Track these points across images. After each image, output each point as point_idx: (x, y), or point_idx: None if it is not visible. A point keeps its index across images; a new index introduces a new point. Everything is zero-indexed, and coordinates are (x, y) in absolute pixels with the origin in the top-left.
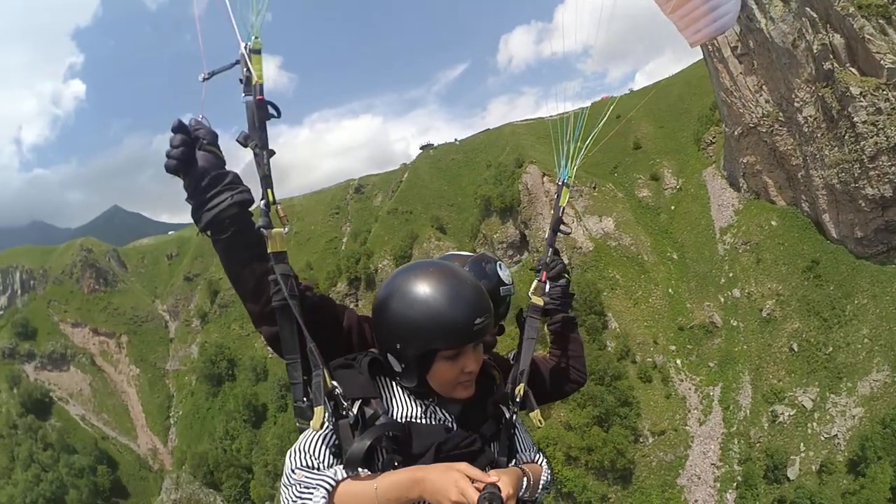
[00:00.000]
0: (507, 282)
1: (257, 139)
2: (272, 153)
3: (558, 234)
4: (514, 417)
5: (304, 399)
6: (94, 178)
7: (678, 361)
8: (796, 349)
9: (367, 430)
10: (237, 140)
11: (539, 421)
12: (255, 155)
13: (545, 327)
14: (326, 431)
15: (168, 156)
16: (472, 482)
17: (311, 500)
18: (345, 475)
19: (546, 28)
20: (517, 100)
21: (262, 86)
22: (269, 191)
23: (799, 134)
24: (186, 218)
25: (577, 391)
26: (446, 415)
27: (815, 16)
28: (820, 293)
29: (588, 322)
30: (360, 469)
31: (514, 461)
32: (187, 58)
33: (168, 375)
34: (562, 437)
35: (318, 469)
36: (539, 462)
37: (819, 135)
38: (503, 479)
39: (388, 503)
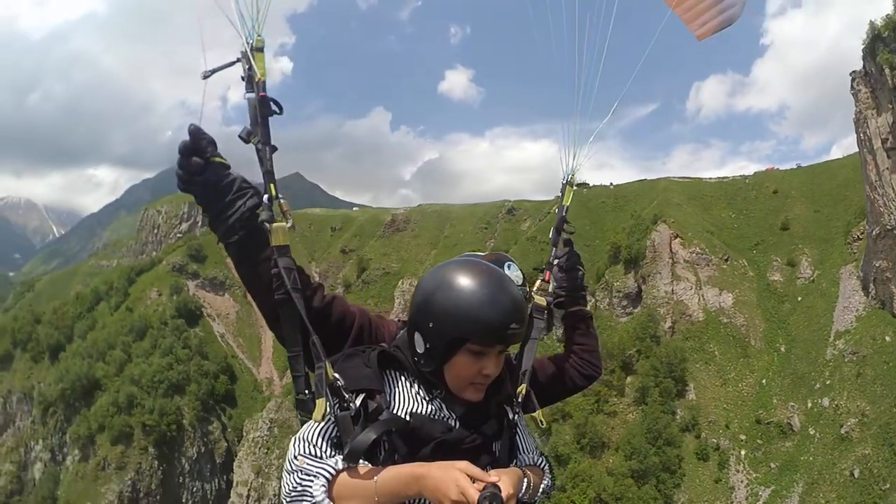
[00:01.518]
0: (516, 281)
1: (260, 135)
2: (274, 149)
3: (563, 234)
4: (516, 418)
5: (306, 392)
6: (285, 145)
7: (742, 452)
8: (856, 475)
9: (371, 424)
10: (239, 136)
11: (541, 421)
12: (258, 151)
13: (560, 320)
14: (328, 424)
15: (188, 182)
16: (473, 481)
17: (311, 487)
18: (345, 464)
19: (741, 81)
20: (702, 151)
21: (264, 82)
22: (271, 185)
23: None
24: (357, 197)
25: (591, 384)
26: (450, 413)
27: None
28: None
29: (663, 385)
30: (360, 461)
31: (514, 462)
32: (387, 56)
33: None
34: (601, 478)
35: (320, 458)
36: (541, 465)
37: None
38: (503, 479)
39: (387, 497)
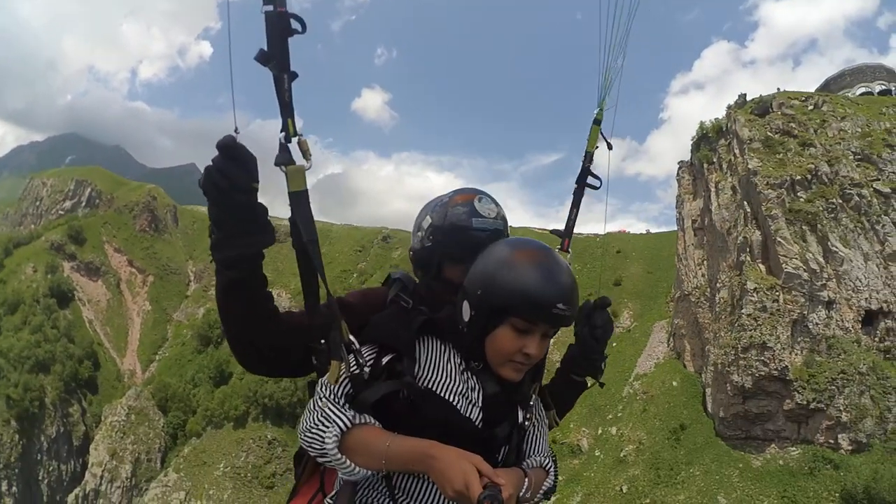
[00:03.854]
0: (489, 214)
1: (277, 58)
2: (294, 76)
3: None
4: (527, 422)
5: (321, 342)
6: (188, 134)
7: None
8: (624, 490)
9: (386, 382)
10: (255, 58)
11: (555, 421)
12: (275, 77)
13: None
14: (345, 381)
15: (228, 193)
16: (480, 476)
17: (325, 432)
18: (362, 420)
19: (636, 148)
20: (595, 205)
21: None
22: (289, 121)
23: (713, 312)
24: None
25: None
26: (482, 386)
27: (748, 210)
28: (670, 453)
29: None
30: (374, 420)
31: (521, 463)
32: (309, 63)
33: (171, 322)
34: None
35: (342, 407)
36: (546, 467)
37: (723, 317)
38: (505, 480)
39: (394, 464)
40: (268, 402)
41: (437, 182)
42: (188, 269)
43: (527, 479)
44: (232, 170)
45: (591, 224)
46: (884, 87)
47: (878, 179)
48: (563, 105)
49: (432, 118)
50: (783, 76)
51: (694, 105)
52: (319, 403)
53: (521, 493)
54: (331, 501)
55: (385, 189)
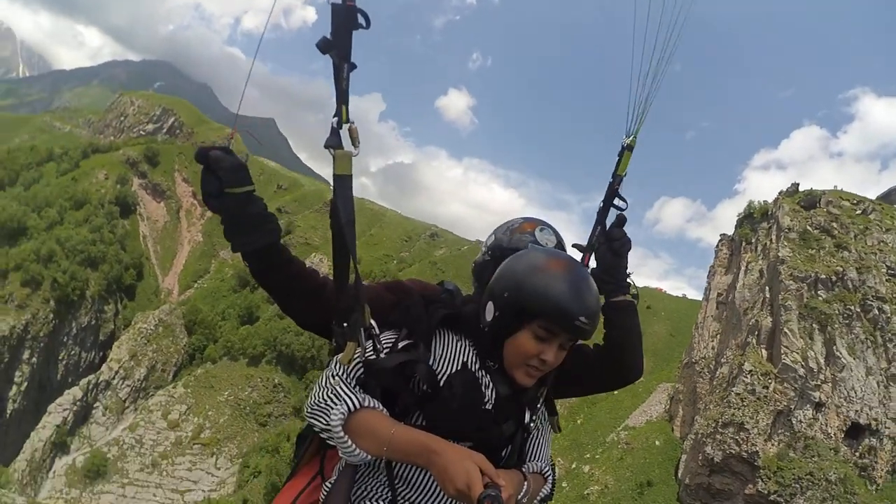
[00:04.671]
0: (548, 243)
1: (339, 47)
2: (353, 66)
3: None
4: (532, 425)
5: (345, 324)
6: (275, 89)
7: None
8: None
9: (400, 352)
10: (317, 45)
11: (557, 427)
12: (335, 66)
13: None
14: (356, 365)
15: (205, 197)
16: (482, 476)
17: (331, 410)
18: (372, 405)
19: (703, 213)
20: (651, 259)
21: None
22: (343, 108)
23: (711, 384)
24: (318, 165)
25: (623, 386)
26: (495, 386)
27: (767, 296)
28: None
29: None
30: (382, 407)
31: (521, 466)
32: (405, 52)
33: (216, 257)
34: None
35: (353, 388)
36: (545, 474)
37: (717, 392)
38: (506, 482)
39: (396, 453)
40: (284, 349)
41: (501, 196)
42: None
43: (526, 483)
44: (204, 176)
45: (642, 278)
46: None
47: None
48: (641, 153)
49: (510, 133)
50: (868, 176)
51: (772, 184)
52: (331, 381)
53: (520, 497)
54: (329, 485)
55: (448, 190)
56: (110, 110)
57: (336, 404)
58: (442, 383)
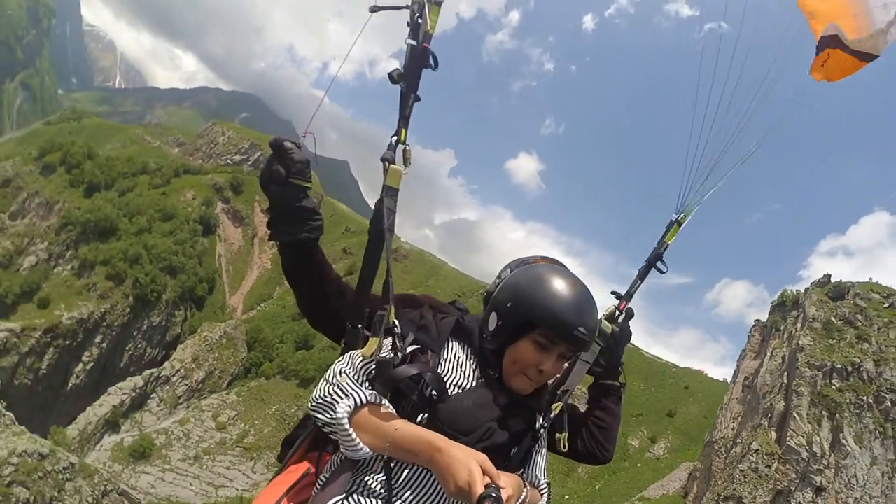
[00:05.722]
0: None
1: (409, 80)
2: (418, 98)
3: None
4: (542, 431)
5: (360, 325)
6: (352, 134)
7: None
8: None
9: (415, 364)
10: (389, 75)
11: (564, 445)
12: (402, 94)
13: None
14: (368, 363)
15: (264, 184)
16: (484, 476)
17: (338, 403)
18: (376, 400)
19: (765, 298)
20: (708, 343)
21: (431, 35)
22: (403, 130)
23: (724, 463)
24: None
25: (593, 464)
26: (493, 395)
27: (785, 382)
28: None
29: None
30: (388, 404)
31: (522, 472)
32: (479, 111)
33: (281, 285)
34: None
35: (359, 383)
36: (542, 489)
37: (728, 469)
38: (507, 483)
39: (398, 450)
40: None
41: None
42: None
43: (525, 490)
44: (271, 162)
45: (696, 361)
46: None
47: None
48: (705, 232)
49: (577, 200)
50: None
51: (839, 271)
52: (338, 377)
53: (517, 502)
54: (325, 478)
55: (509, 251)
56: (202, 135)
57: (343, 398)
58: (449, 388)
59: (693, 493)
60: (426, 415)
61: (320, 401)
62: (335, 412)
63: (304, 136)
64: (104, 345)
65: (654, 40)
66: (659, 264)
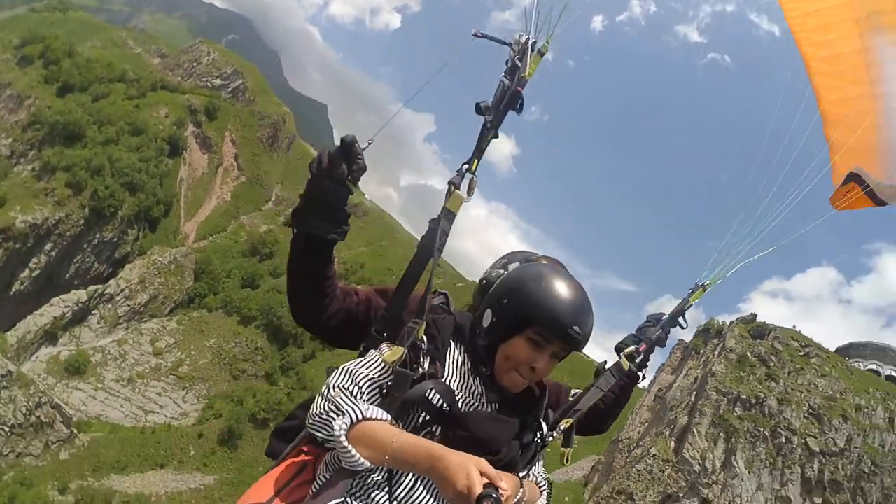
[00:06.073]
0: None
1: (495, 117)
2: (497, 136)
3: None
4: (547, 440)
5: (384, 334)
6: (337, 78)
7: None
8: None
9: (430, 381)
10: (477, 105)
11: (566, 459)
12: (484, 127)
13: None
14: (385, 372)
15: (320, 177)
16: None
17: (334, 421)
18: (374, 415)
19: (699, 319)
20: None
21: (526, 81)
22: (476, 161)
23: (625, 461)
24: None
25: (594, 434)
26: (485, 392)
27: (692, 400)
28: None
29: None
30: (386, 416)
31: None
32: (469, 84)
33: (237, 219)
34: None
35: (355, 398)
36: (541, 486)
37: (626, 468)
38: (506, 483)
39: (397, 462)
40: (275, 320)
41: (516, 248)
42: (274, 191)
43: (522, 489)
44: (337, 158)
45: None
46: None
47: (815, 437)
48: (661, 247)
49: (546, 192)
50: (869, 329)
51: (775, 313)
52: (332, 393)
53: (515, 502)
54: (324, 479)
55: (465, 227)
56: (186, 52)
57: (339, 416)
58: (457, 396)
59: (593, 483)
60: (439, 427)
61: (317, 419)
62: (332, 429)
63: (370, 143)
64: (53, 253)
65: (658, 55)
66: (680, 320)
